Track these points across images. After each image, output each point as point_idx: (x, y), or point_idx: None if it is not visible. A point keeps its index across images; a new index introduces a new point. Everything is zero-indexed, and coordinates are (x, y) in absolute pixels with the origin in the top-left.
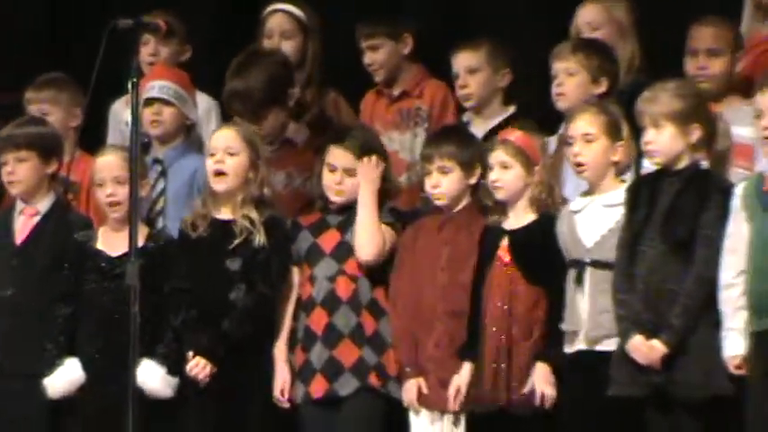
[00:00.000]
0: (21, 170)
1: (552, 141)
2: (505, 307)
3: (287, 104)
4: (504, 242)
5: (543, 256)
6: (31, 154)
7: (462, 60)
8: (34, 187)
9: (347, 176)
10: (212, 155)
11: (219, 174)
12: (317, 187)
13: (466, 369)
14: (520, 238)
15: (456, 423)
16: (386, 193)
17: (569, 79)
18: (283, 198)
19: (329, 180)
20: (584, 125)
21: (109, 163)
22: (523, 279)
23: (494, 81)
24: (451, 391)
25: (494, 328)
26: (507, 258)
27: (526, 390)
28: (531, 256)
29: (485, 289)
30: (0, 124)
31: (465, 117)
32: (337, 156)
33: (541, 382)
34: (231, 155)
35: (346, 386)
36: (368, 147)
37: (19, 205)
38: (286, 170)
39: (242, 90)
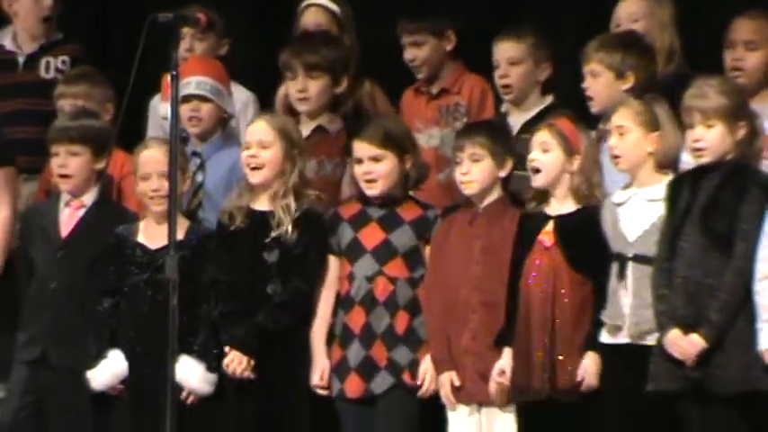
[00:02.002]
0: (73, 164)
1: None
2: (548, 292)
3: (336, 84)
4: (549, 227)
5: (591, 243)
6: (85, 149)
7: (505, 51)
8: (84, 183)
9: (374, 163)
10: (247, 148)
11: (255, 168)
12: (353, 184)
13: (507, 354)
14: (567, 224)
15: (504, 411)
16: (415, 182)
17: (594, 81)
18: (314, 185)
19: (358, 172)
20: (618, 118)
21: (154, 156)
22: (567, 264)
23: (534, 74)
24: (495, 374)
25: (537, 314)
26: (550, 242)
27: (578, 379)
28: (578, 243)
29: (523, 273)
30: None
31: (503, 107)
32: (360, 148)
33: (590, 372)
34: (265, 147)
35: (382, 384)
36: (391, 134)
37: (64, 197)
38: (318, 158)
39: (306, 43)
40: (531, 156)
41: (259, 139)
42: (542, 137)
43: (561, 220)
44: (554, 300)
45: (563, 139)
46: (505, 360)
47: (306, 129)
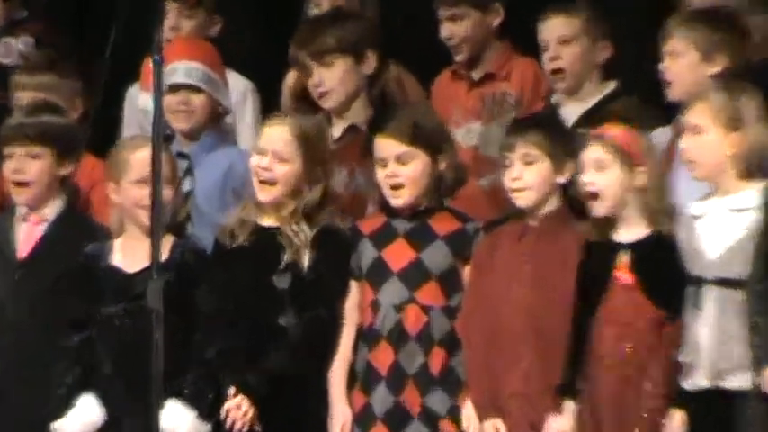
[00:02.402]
0: (31, 169)
1: (665, 133)
2: (634, 343)
3: (360, 64)
4: (624, 259)
5: (678, 276)
6: (46, 150)
7: (554, 29)
8: (45, 192)
9: (401, 166)
10: (260, 155)
11: (265, 182)
12: (375, 193)
13: (569, 410)
14: (645, 254)
15: None
16: (450, 188)
17: (675, 62)
18: (343, 201)
19: (381, 176)
20: (693, 115)
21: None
22: (652, 305)
23: (591, 55)
24: None
25: (614, 365)
26: (629, 279)
27: None
28: (662, 276)
29: (599, 319)
30: None
31: (554, 98)
32: (384, 146)
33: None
34: (282, 161)
35: None
36: (420, 128)
37: (21, 209)
38: (348, 167)
39: (310, 30)
40: (584, 178)
41: (275, 148)
42: (594, 153)
43: (639, 251)
44: (641, 352)
45: (619, 152)
46: (566, 419)
47: (337, 129)
